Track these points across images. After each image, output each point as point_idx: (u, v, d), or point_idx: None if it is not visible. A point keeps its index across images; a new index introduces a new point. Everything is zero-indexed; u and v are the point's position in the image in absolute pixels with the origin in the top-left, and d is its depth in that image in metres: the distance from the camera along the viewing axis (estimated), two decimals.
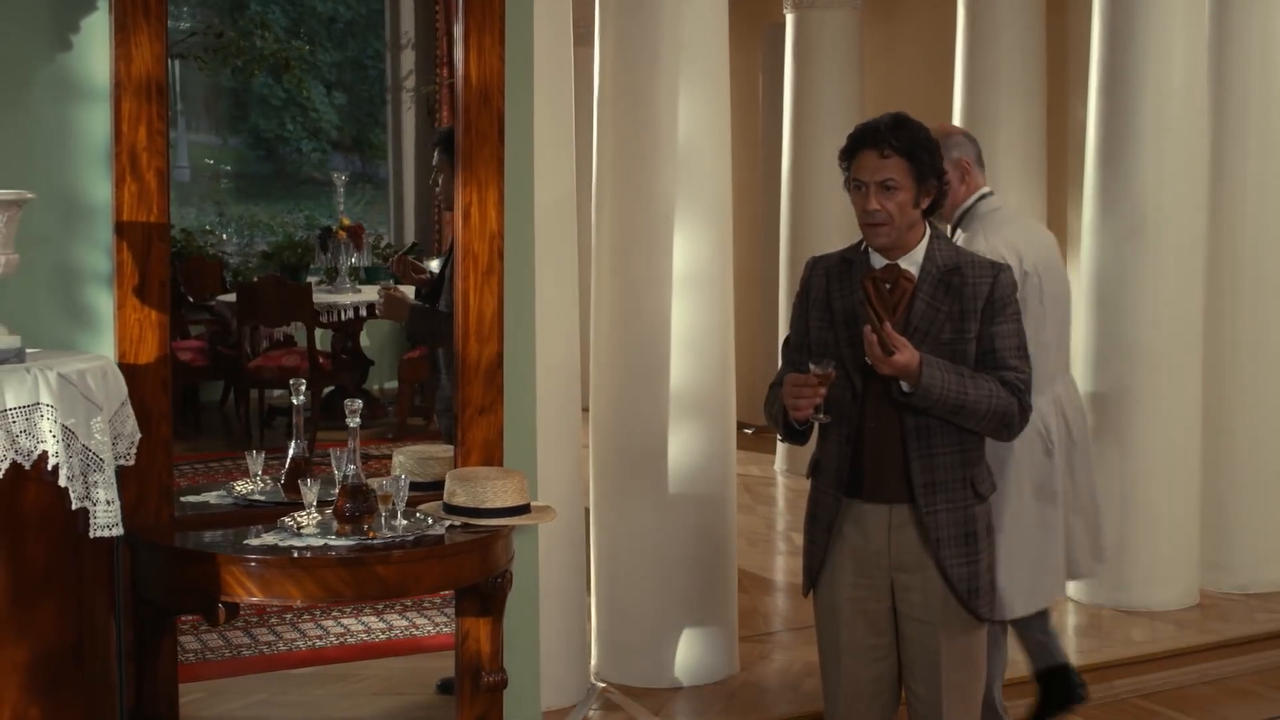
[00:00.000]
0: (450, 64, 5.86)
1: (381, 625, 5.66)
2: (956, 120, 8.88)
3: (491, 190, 4.45)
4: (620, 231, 6.09)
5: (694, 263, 5.98)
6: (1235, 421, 7.60)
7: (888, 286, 4.01)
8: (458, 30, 4.44)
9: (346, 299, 5.61)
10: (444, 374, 5.01)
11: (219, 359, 5.76)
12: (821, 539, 4.15)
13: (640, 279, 6.03)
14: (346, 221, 5.40)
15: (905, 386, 3.92)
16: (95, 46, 4.14)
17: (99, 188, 4.17)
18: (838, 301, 4.10)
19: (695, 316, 6.01)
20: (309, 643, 6.00)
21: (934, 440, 4.00)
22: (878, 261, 4.05)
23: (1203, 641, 6.80)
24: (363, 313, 5.69)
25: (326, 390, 5.71)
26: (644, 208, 6.00)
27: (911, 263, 4.03)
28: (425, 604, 5.72)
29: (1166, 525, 7.24)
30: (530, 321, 4.89)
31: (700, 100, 5.95)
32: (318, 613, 6.01)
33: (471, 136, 4.43)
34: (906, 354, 3.88)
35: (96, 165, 4.17)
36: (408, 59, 6.02)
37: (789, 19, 10.28)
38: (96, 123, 4.16)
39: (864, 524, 4.09)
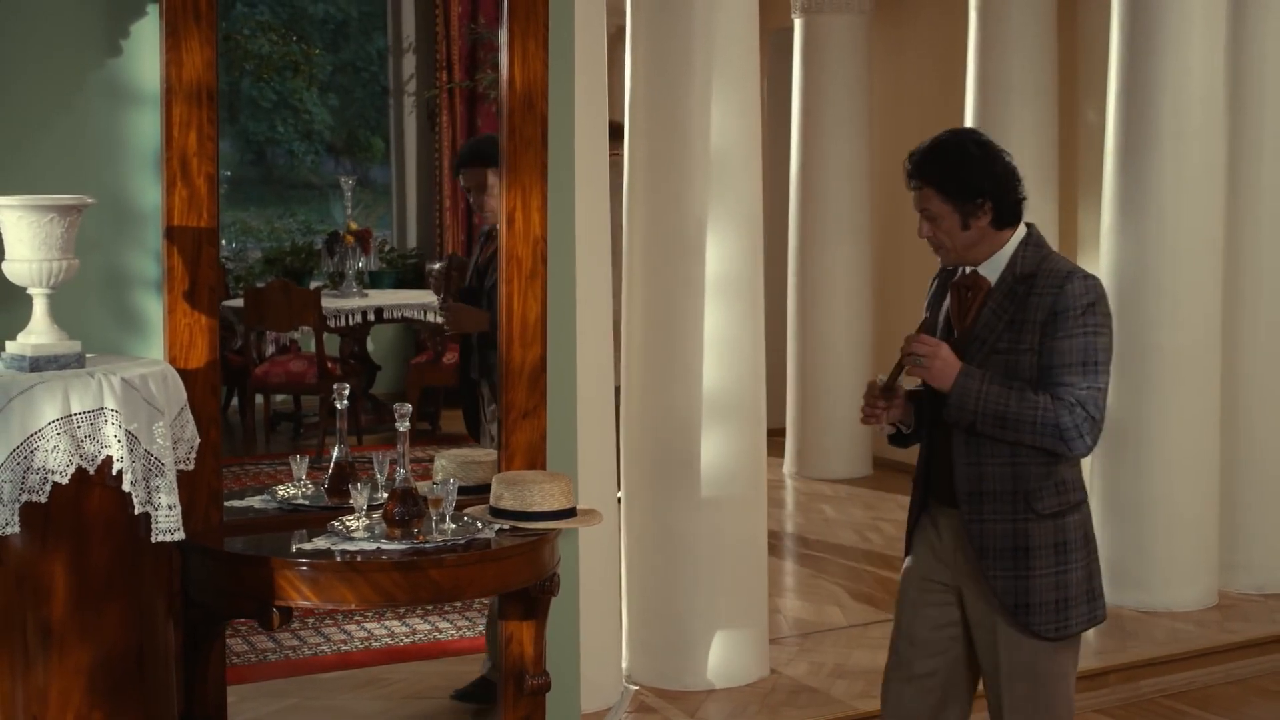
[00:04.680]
0: (449, 69, 5.89)
1: (405, 629, 5.66)
2: (968, 124, 8.91)
3: (535, 195, 4.47)
4: (652, 236, 6.12)
5: (726, 266, 6.00)
6: (1253, 423, 7.64)
7: (968, 293, 4.05)
8: (501, 36, 4.45)
9: (353, 304, 5.60)
10: (478, 378, 5.04)
11: (225, 365, 5.77)
12: (910, 529, 4.29)
13: (672, 283, 6.05)
14: (354, 226, 5.39)
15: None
16: (145, 51, 4.15)
17: (149, 192, 4.18)
18: (934, 309, 4.20)
19: (727, 320, 6.03)
20: (334, 647, 6.00)
21: (983, 451, 4.00)
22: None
23: (1228, 641, 6.83)
24: (370, 317, 5.68)
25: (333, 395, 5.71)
26: (676, 212, 6.02)
27: (992, 269, 4.03)
28: (448, 608, 5.72)
29: (1186, 526, 7.27)
30: (572, 325, 4.91)
31: (732, 104, 5.97)
32: (340, 617, 6.01)
33: (515, 141, 4.44)
34: (938, 363, 3.91)
35: (146, 170, 4.18)
36: (408, 63, 6.02)
37: (797, 24, 10.30)
38: (146, 128, 4.17)
39: (939, 524, 4.19)
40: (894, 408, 4.13)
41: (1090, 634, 6.87)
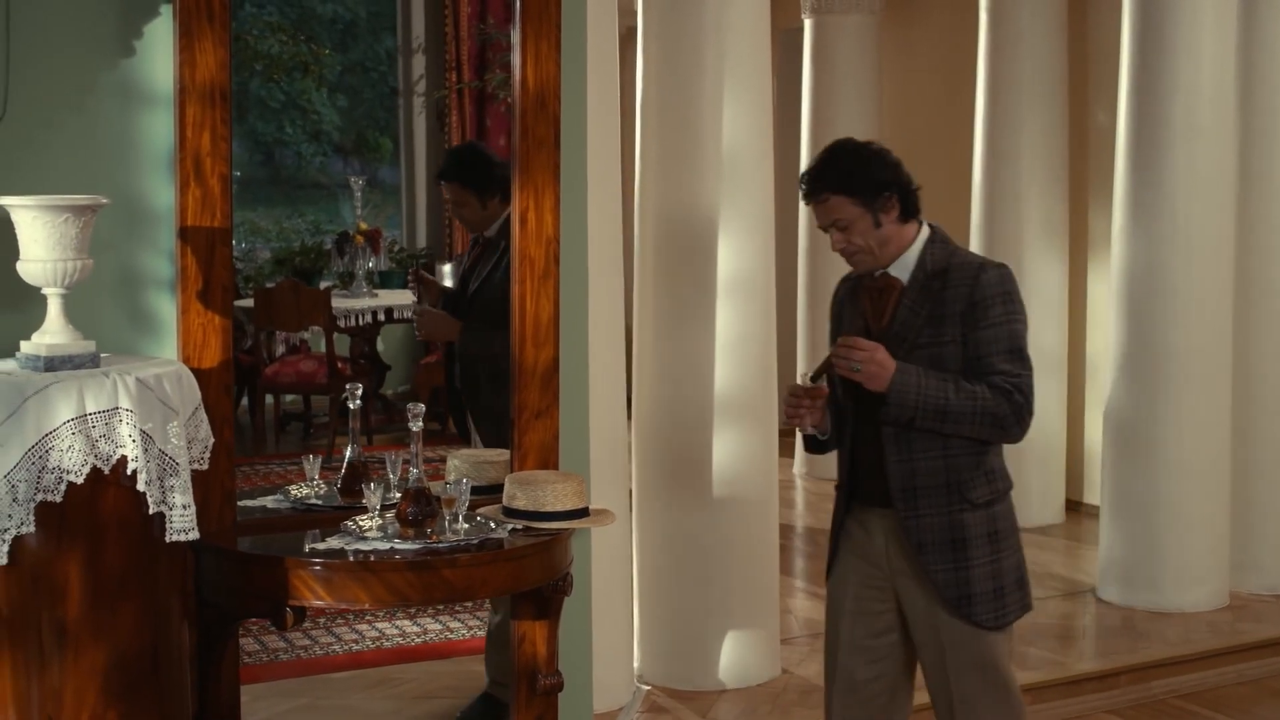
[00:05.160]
0: (458, 69, 5.89)
1: (416, 629, 5.67)
2: (978, 124, 8.91)
3: (548, 195, 4.47)
4: (664, 236, 6.12)
5: (738, 266, 6.01)
6: (1265, 423, 7.64)
7: (881, 294, 4.11)
8: (514, 36, 4.45)
9: (363, 304, 5.60)
10: (484, 381, 5.02)
11: (235, 365, 5.77)
12: (834, 537, 4.28)
13: (684, 282, 6.05)
14: (364, 226, 5.40)
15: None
16: (158, 52, 4.15)
17: (161, 193, 4.19)
18: (847, 316, 4.25)
19: (739, 320, 6.04)
20: (345, 646, 6.00)
21: (914, 446, 4.03)
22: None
23: (1239, 642, 6.82)
24: (380, 317, 5.69)
25: (345, 395, 5.71)
26: (688, 212, 6.02)
27: (902, 268, 4.08)
28: (459, 608, 5.73)
29: (1197, 526, 7.27)
30: (584, 325, 4.91)
31: (743, 104, 5.97)
32: (352, 616, 6.02)
33: (528, 142, 4.45)
34: (873, 366, 3.92)
35: (159, 170, 4.19)
36: (418, 63, 6.02)
37: (807, 24, 10.29)
38: (159, 128, 4.18)
39: (867, 527, 4.20)
40: (816, 410, 4.13)
41: (1101, 634, 6.90)
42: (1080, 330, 9.14)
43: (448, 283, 5.44)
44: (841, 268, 4.29)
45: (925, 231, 4.09)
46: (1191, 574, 7.29)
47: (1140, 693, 6.32)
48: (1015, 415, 3.94)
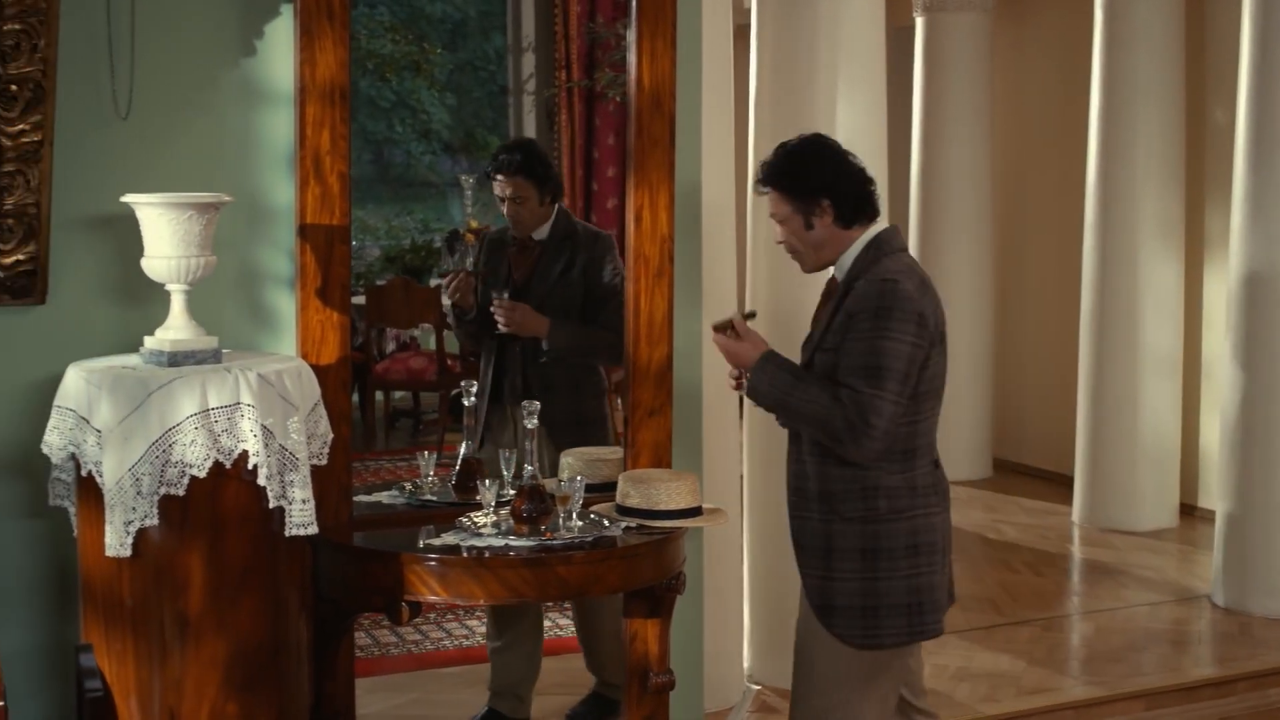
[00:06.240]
0: (568, 68, 5.90)
1: None
2: (1093, 122, 8.81)
3: (663, 193, 4.48)
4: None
5: None
6: None
7: (825, 296, 4.12)
8: (630, 35, 4.46)
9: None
10: (559, 379, 5.00)
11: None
12: None
13: (798, 282, 6.00)
14: (475, 224, 5.41)
15: None
16: (278, 51, 4.21)
17: (281, 190, 4.24)
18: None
19: None
20: (455, 642, 6.05)
21: (802, 449, 4.04)
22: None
23: None
24: None
25: (455, 392, 5.74)
26: None
27: (840, 271, 4.05)
28: (565, 605, 5.75)
29: None
30: (698, 323, 4.91)
31: (857, 102, 5.93)
32: (461, 612, 6.06)
33: (643, 140, 4.45)
34: (746, 345, 3.99)
35: (279, 168, 4.24)
36: (527, 62, 6.04)
37: (919, 22, 10.22)
38: (279, 127, 4.23)
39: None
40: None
41: (1217, 640, 6.80)
42: (1195, 331, 9.01)
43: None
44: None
45: (865, 238, 4.00)
46: None
47: (1258, 700, 6.22)
48: (849, 432, 3.79)
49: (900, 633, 3.96)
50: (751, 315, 4.16)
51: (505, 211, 5.04)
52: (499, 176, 5.03)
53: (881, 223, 4.08)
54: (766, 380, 3.94)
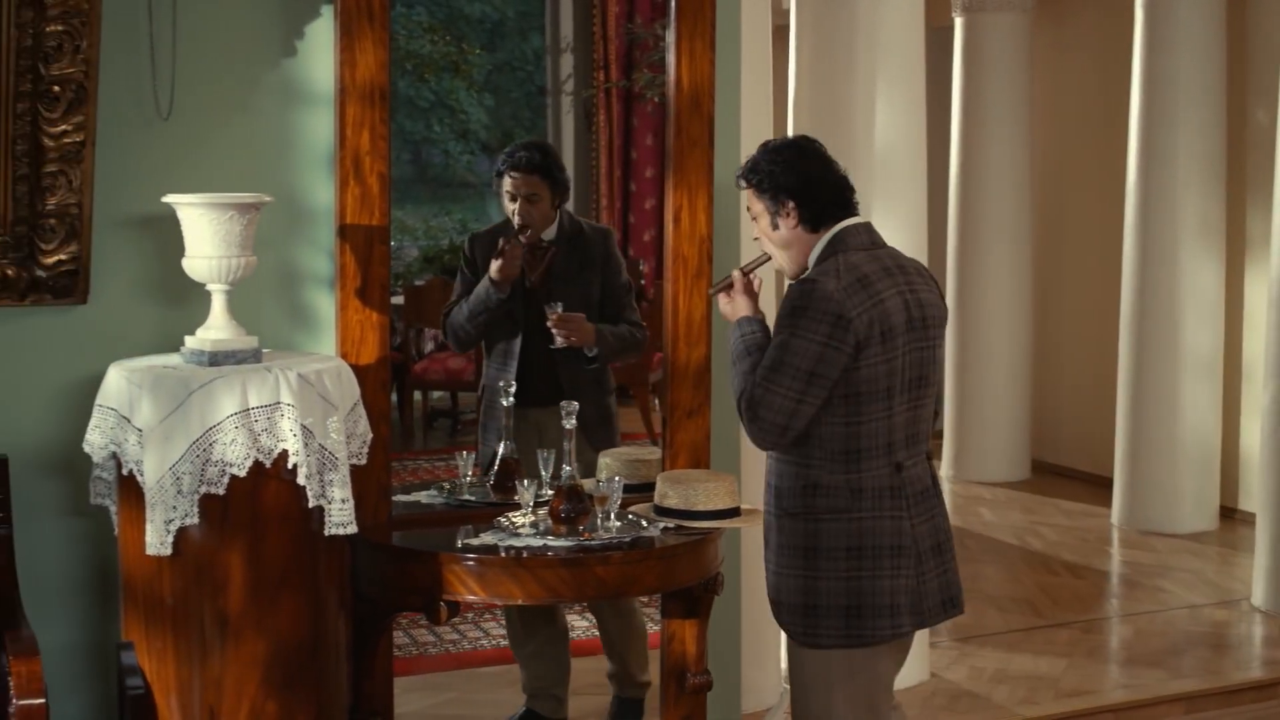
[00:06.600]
0: (606, 68, 5.90)
1: None
2: (1133, 123, 8.77)
3: (701, 194, 4.48)
4: None
5: None
6: None
7: None
8: (669, 36, 4.46)
9: None
10: (587, 382, 4.98)
11: None
12: None
13: None
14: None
15: None
16: (318, 52, 4.22)
17: (320, 191, 4.26)
18: None
19: None
20: (493, 641, 6.04)
21: None
22: None
23: None
24: None
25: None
26: None
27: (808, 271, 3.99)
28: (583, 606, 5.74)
29: None
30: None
31: (897, 102, 5.92)
32: (499, 612, 6.06)
33: (682, 141, 4.46)
34: (740, 299, 4.02)
35: (318, 169, 4.26)
36: (565, 63, 6.05)
37: (958, 22, 10.20)
38: (319, 127, 4.25)
39: None
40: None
41: (1258, 643, 6.76)
42: (1236, 333, 8.96)
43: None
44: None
45: (828, 236, 3.93)
46: None
47: None
48: (744, 416, 3.83)
49: (836, 635, 3.87)
50: (761, 262, 4.11)
51: (516, 210, 4.97)
52: (515, 174, 4.99)
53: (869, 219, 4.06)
54: (730, 343, 3.96)
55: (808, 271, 3.92)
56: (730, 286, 4.05)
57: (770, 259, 4.08)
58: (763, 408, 3.77)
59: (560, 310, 4.90)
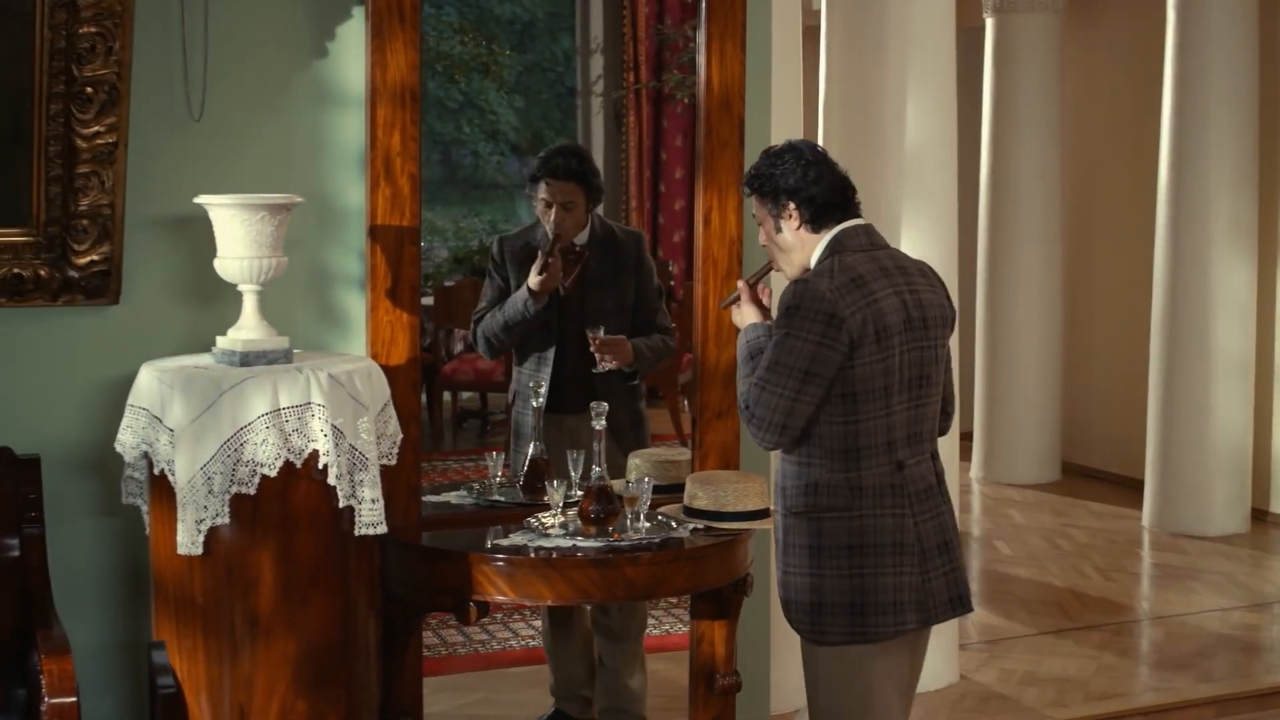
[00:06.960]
0: (636, 70, 5.91)
1: None
2: (1165, 124, 8.75)
3: (732, 195, 4.49)
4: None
5: None
6: None
7: None
8: (699, 37, 4.47)
9: None
10: (619, 390, 4.96)
11: None
12: None
13: None
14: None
15: None
16: (350, 54, 4.23)
17: (351, 191, 4.27)
18: None
19: None
20: (522, 642, 6.06)
21: None
22: None
23: None
24: None
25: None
26: (871, 210, 5.94)
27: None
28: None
29: None
30: None
31: (927, 103, 5.90)
32: (528, 612, 6.07)
33: (712, 142, 4.46)
34: (746, 307, 4.01)
35: (349, 169, 4.27)
36: (595, 64, 6.05)
37: (989, 23, 10.17)
38: (350, 128, 4.26)
39: None
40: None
41: None
42: (1268, 334, 8.92)
43: None
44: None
45: (828, 237, 3.92)
46: None
47: None
48: (742, 415, 3.84)
49: (842, 631, 3.87)
50: (765, 270, 4.11)
51: (552, 217, 4.91)
52: (552, 181, 4.95)
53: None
54: (740, 345, 3.98)
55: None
56: (739, 299, 4.05)
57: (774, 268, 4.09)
58: (759, 407, 3.78)
59: (602, 335, 4.88)
